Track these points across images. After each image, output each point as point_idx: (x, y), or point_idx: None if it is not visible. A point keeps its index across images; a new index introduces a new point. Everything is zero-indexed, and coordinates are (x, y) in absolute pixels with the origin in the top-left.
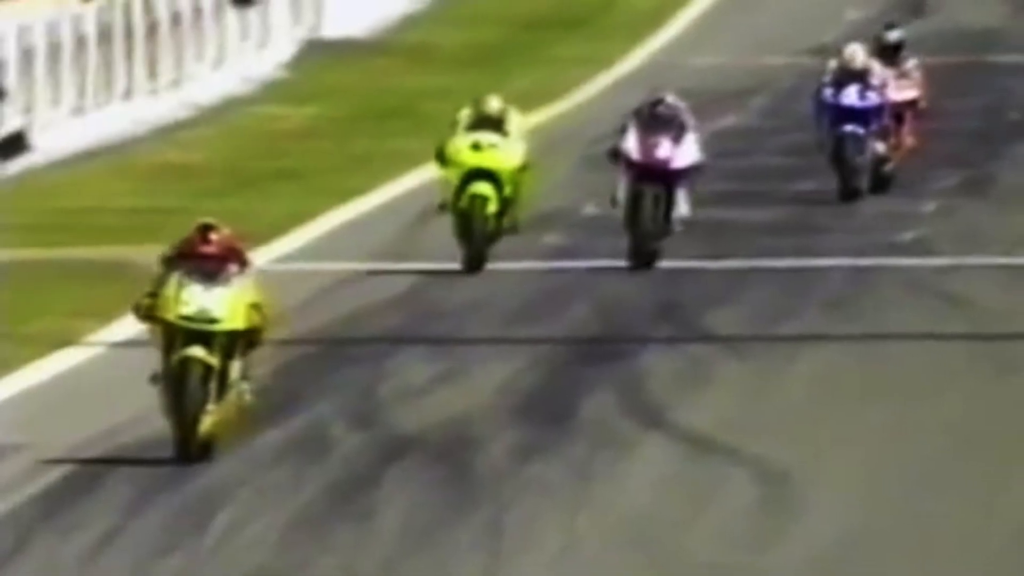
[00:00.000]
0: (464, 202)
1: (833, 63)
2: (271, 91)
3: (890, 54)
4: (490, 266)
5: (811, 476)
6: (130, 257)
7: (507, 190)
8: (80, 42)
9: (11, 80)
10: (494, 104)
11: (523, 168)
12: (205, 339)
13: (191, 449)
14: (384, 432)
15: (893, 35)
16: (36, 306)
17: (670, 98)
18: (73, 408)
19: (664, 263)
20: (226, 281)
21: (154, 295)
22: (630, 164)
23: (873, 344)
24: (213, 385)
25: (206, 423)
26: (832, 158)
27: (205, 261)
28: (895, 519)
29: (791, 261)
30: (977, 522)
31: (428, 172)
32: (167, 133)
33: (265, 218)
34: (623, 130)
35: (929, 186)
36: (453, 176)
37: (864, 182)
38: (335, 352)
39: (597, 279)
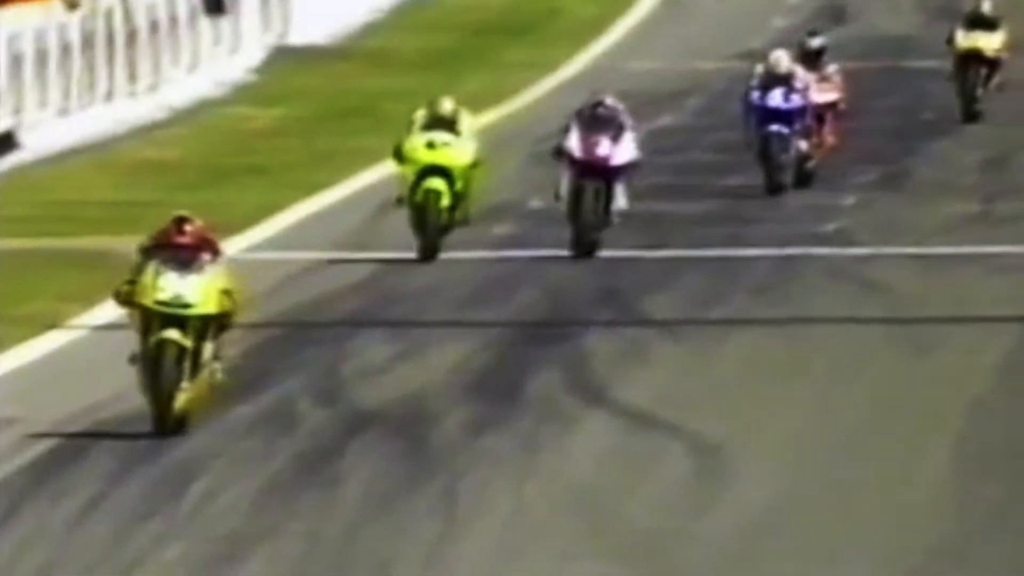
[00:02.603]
0: (419, 196)
1: (760, 68)
2: (242, 93)
3: (812, 59)
4: (444, 255)
5: (741, 448)
6: (111, 246)
7: (459, 185)
8: (65, 49)
9: (1, 84)
10: (447, 106)
11: (474, 165)
12: (180, 322)
13: (167, 424)
14: (347, 407)
15: (815, 42)
16: (26, 291)
17: (609, 100)
18: (60, 385)
19: (604, 252)
20: (199, 269)
21: (132, 282)
22: (572, 161)
23: (798, 326)
24: (187, 365)
25: (180, 400)
26: (759, 156)
27: (180, 250)
28: (819, 486)
29: (722, 250)
30: (894, 488)
31: (387, 168)
32: (145, 132)
33: (236, 210)
34: (566, 130)
35: (849, 180)
36: (409, 172)
37: (788, 178)
38: (301, 334)
39: (543, 267)
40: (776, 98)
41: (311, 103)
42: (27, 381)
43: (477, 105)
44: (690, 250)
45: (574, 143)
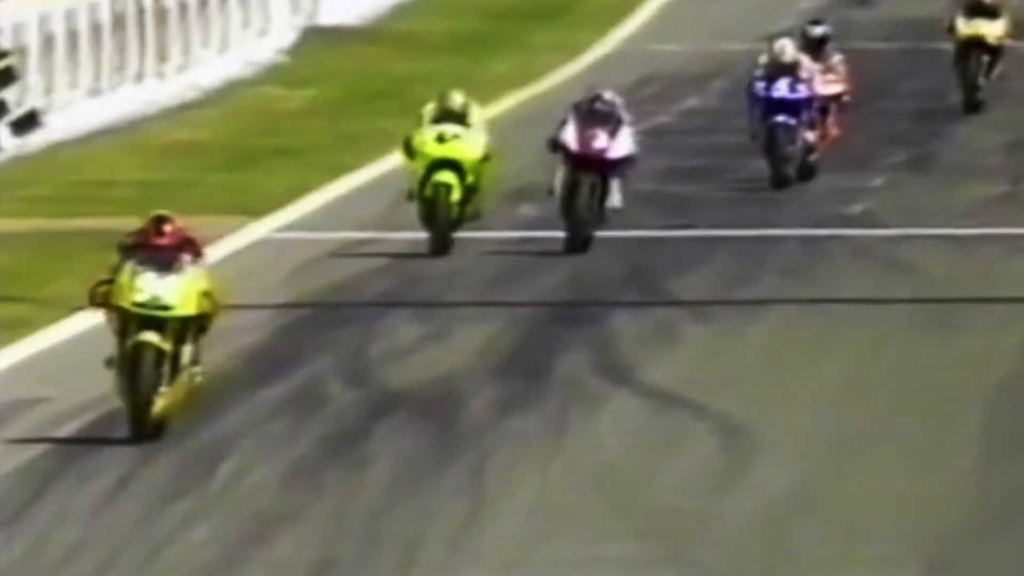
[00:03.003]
0: (428, 191)
1: (763, 57)
2: (271, 74)
3: (815, 48)
4: (470, 235)
5: (766, 429)
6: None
7: (470, 179)
8: (95, 29)
9: (32, 64)
10: (457, 99)
11: (485, 158)
12: (158, 325)
13: (144, 430)
14: (374, 389)
15: (817, 30)
16: (57, 271)
17: (608, 95)
18: (90, 366)
19: (632, 232)
20: (179, 270)
21: (109, 282)
22: (568, 155)
23: (824, 307)
24: (166, 368)
25: (158, 405)
26: (764, 148)
27: (158, 251)
28: (843, 467)
29: (750, 231)
30: (917, 469)
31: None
32: (175, 113)
33: (265, 191)
34: (562, 123)
35: (876, 162)
36: (419, 166)
37: (793, 170)
38: (329, 315)
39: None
40: (781, 89)
41: (340, 85)
42: (56, 362)
43: (504, 87)
44: (718, 231)
45: (570, 136)
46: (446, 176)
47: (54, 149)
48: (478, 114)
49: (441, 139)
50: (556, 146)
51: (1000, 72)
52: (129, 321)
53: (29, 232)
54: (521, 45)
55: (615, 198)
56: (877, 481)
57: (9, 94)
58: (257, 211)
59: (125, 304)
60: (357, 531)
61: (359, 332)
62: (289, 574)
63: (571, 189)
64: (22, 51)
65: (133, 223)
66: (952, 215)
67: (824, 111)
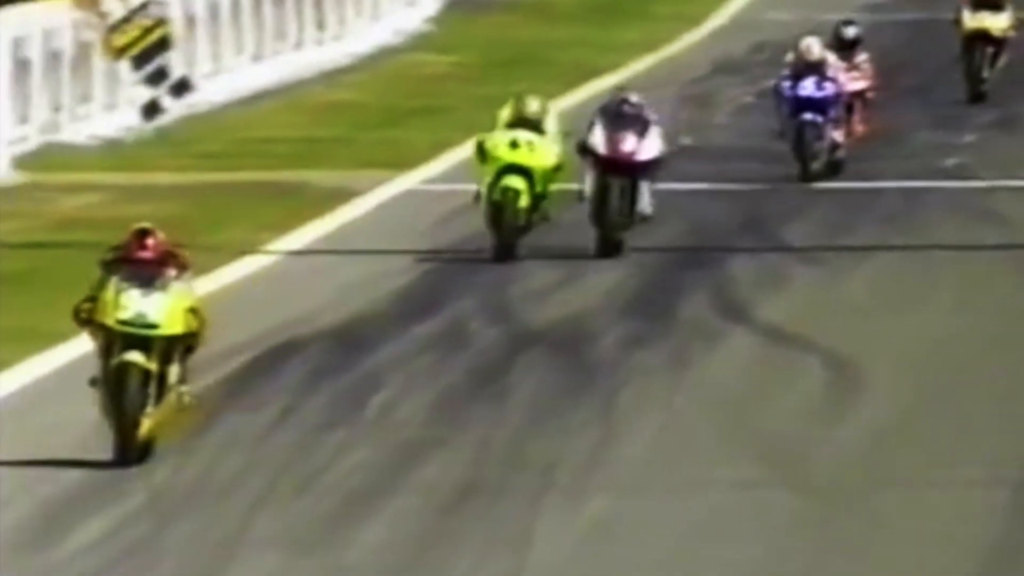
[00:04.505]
0: (497, 194)
1: (790, 56)
2: (418, 42)
3: (846, 48)
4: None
5: (871, 363)
6: (301, 179)
7: (539, 187)
8: (257, 1)
9: (201, 32)
10: (533, 105)
11: (556, 168)
12: (143, 344)
13: (131, 452)
14: (514, 327)
15: (851, 31)
16: (224, 220)
17: (635, 97)
18: (254, 305)
19: (746, 185)
20: (163, 286)
21: (93, 300)
22: (597, 159)
23: (922, 253)
24: (152, 389)
25: (145, 427)
26: (792, 145)
27: (142, 266)
28: (939, 400)
29: (852, 183)
30: (1007, 402)
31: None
32: (331, 77)
33: (412, 147)
34: (590, 127)
35: (968, 121)
36: (490, 170)
37: (821, 166)
38: (471, 259)
39: (691, 198)
40: (808, 87)
41: (479, 51)
42: (224, 301)
43: (631, 53)
44: (823, 182)
45: (599, 140)
46: (515, 181)
47: (220, 110)
48: (553, 122)
49: (514, 145)
50: (585, 151)
51: (1005, 63)
52: (114, 340)
53: (198, 184)
54: (645, 14)
55: (644, 202)
56: (970, 412)
57: (168, 60)
58: (405, 165)
59: (109, 322)
60: (498, 456)
61: (499, 276)
62: (436, 495)
63: (602, 193)
64: (191, 20)
65: (292, 176)
66: None
67: (850, 108)
